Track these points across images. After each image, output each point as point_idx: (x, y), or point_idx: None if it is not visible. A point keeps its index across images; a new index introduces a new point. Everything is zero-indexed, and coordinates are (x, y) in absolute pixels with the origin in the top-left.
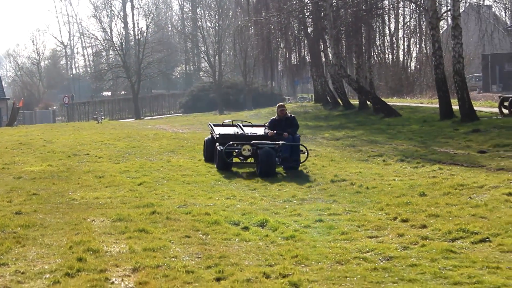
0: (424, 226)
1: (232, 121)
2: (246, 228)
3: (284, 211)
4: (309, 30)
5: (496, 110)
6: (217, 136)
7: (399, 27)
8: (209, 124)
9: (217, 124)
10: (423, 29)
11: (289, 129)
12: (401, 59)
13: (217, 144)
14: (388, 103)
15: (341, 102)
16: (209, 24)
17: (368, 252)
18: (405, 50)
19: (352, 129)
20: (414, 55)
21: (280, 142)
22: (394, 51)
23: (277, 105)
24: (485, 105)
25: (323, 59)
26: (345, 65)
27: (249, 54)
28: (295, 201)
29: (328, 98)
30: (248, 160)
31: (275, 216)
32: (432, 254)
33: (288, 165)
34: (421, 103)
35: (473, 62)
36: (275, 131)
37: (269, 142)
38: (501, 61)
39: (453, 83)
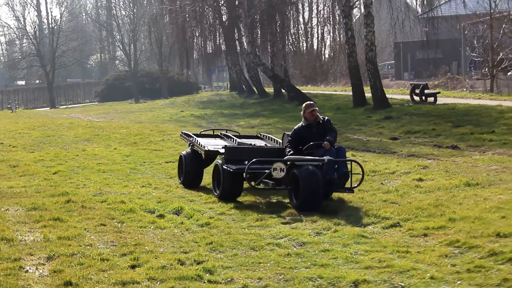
0: (335, 213)
1: (213, 130)
2: (161, 216)
3: (199, 198)
4: (224, 19)
5: (408, 97)
6: (223, 150)
7: (313, 16)
8: (185, 134)
9: (196, 134)
10: (336, 18)
11: (328, 137)
12: (315, 47)
13: (220, 162)
14: (303, 91)
15: (256, 90)
16: (123, 12)
17: (282, 238)
18: (319, 38)
19: (267, 117)
20: (328, 43)
21: (326, 157)
22: (308, 40)
23: (304, 105)
24: (397, 93)
25: (238, 48)
26: (260, 53)
27: (164, 43)
28: (210, 189)
29: (244, 86)
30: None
31: (191, 204)
32: (344, 240)
33: (338, 190)
34: (335, 91)
35: (385, 50)
36: (323, 143)
37: (310, 158)
38: (413, 49)
39: (366, 71)
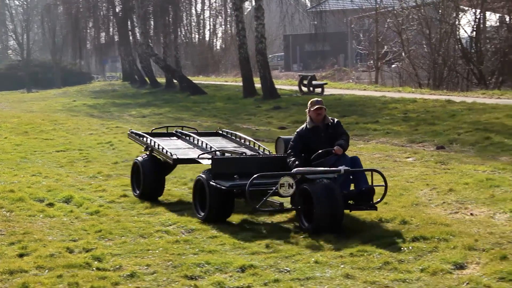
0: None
1: (166, 127)
2: (51, 205)
3: (89, 187)
4: (117, 10)
5: (296, 88)
6: (206, 161)
7: (206, 8)
8: (135, 134)
9: (147, 133)
10: (228, 10)
11: (340, 141)
12: (207, 38)
13: (205, 177)
14: (194, 82)
15: (148, 81)
16: (17, 2)
17: (170, 225)
18: (211, 30)
19: (159, 107)
20: (219, 35)
21: (342, 168)
22: (201, 31)
23: (310, 102)
24: (286, 84)
25: (131, 39)
26: (153, 44)
27: (58, 33)
28: (100, 177)
29: (136, 76)
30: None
31: (80, 192)
32: (232, 227)
33: (358, 208)
34: (226, 82)
35: (275, 42)
36: (333, 149)
37: (323, 169)
38: (302, 41)
39: (256, 62)
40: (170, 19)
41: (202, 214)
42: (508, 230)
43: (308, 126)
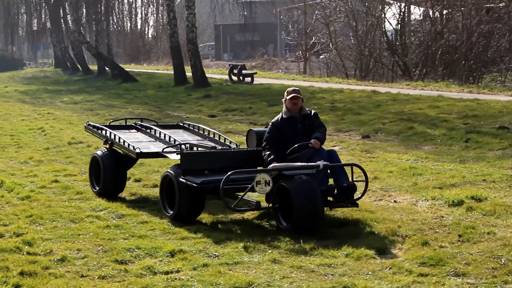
0: (156, 186)
1: (125, 119)
2: None
3: (20, 172)
4: None
5: (227, 77)
6: (173, 155)
7: None
8: (93, 127)
9: (105, 125)
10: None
11: (316, 133)
12: (139, 27)
13: (173, 173)
14: (126, 69)
15: (80, 68)
16: None
17: (101, 210)
18: (143, 19)
19: (91, 94)
20: (151, 23)
21: (320, 162)
22: (133, 19)
23: (286, 91)
24: (216, 73)
25: (63, 26)
26: (85, 32)
27: None
28: (32, 163)
29: (68, 63)
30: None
31: (12, 177)
32: (163, 212)
33: (338, 205)
34: (158, 70)
35: (206, 32)
36: (310, 143)
37: (300, 164)
38: (232, 31)
39: (187, 51)
40: (102, 7)
41: (171, 212)
42: (429, 217)
43: (284, 115)
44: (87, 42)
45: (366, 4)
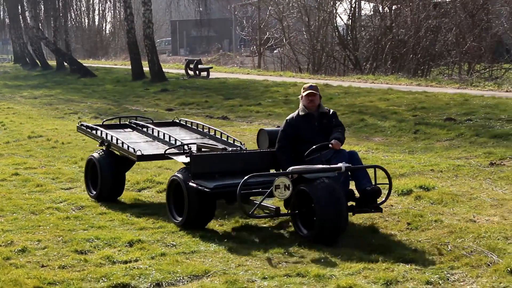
0: None
1: (119, 118)
2: None
3: None
4: None
5: (183, 71)
6: (183, 158)
7: None
8: (86, 127)
9: (99, 125)
10: None
11: (336, 133)
12: (96, 23)
13: (182, 177)
14: (84, 64)
15: (39, 63)
16: None
17: (61, 202)
18: (101, 14)
19: (50, 88)
20: (108, 19)
21: (342, 164)
22: (90, 16)
23: (303, 88)
24: (173, 67)
25: (22, 22)
26: (43, 28)
27: None
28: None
29: (27, 59)
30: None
31: None
32: (121, 203)
33: (361, 210)
34: (115, 65)
35: (163, 28)
36: (330, 145)
37: (322, 167)
38: (188, 27)
39: (144, 46)
40: (60, 4)
41: (179, 219)
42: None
43: (300, 112)
44: (45, 38)
45: (318, 0)
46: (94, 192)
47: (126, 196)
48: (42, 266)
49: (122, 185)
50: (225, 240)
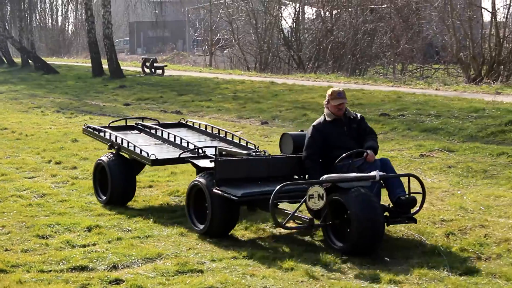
0: (75, 167)
1: (125, 119)
2: None
3: None
4: None
5: (140, 69)
6: (204, 162)
7: None
8: (93, 129)
9: (105, 127)
10: None
11: (370, 142)
12: (59, 23)
13: (204, 183)
14: (48, 62)
15: (5, 61)
16: None
17: (24, 190)
18: (63, 15)
19: (15, 84)
20: (71, 20)
21: (377, 173)
22: (54, 16)
23: (330, 94)
24: (131, 65)
25: None
26: (9, 27)
27: None
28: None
29: None
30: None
31: None
32: (80, 191)
33: (395, 221)
34: (77, 62)
35: (121, 28)
36: (368, 153)
37: (356, 175)
38: (145, 28)
39: (104, 45)
40: (26, 5)
41: (201, 227)
42: None
43: (327, 118)
44: (11, 37)
45: (265, 4)
46: (104, 197)
47: (85, 184)
48: (6, 250)
49: (134, 189)
50: (177, 226)
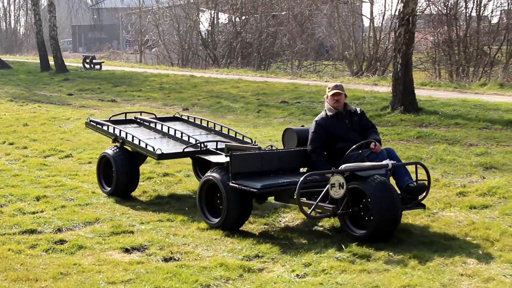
0: (26, 147)
1: (125, 113)
2: None
3: None
4: None
5: (81, 65)
6: (227, 159)
7: (11, 2)
8: (95, 123)
9: (106, 120)
10: (28, 4)
11: (375, 135)
12: (12, 26)
13: (219, 177)
14: (3, 59)
15: None
16: None
17: None
18: (16, 19)
19: None
20: (22, 23)
21: (389, 162)
22: (7, 20)
23: (328, 88)
24: (74, 62)
25: None
26: None
27: None
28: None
29: None
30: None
31: None
32: (30, 167)
33: (405, 207)
34: (28, 59)
35: (65, 30)
36: (372, 144)
37: (371, 164)
38: (85, 30)
39: (50, 45)
40: None
41: (215, 220)
42: None
43: (328, 113)
44: None
45: (186, 11)
46: (108, 189)
47: (34, 161)
48: None
49: (137, 180)
50: (111, 196)
